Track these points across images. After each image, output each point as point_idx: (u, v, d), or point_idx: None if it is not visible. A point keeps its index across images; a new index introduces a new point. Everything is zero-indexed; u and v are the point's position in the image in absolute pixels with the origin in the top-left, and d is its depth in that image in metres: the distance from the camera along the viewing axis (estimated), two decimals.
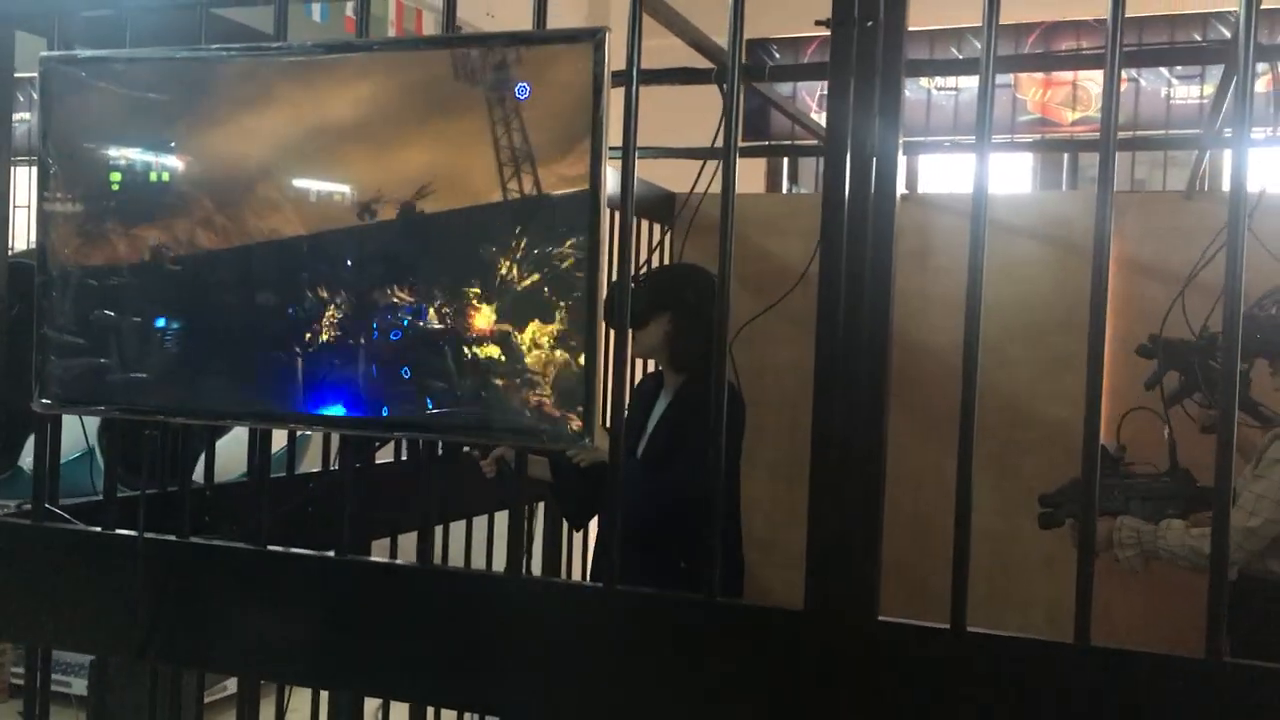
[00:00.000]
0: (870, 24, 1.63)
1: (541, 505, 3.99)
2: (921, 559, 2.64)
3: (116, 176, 1.97)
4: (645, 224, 4.85)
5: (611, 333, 2.02)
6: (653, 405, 3.02)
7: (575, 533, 3.89)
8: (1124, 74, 5.27)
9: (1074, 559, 1.58)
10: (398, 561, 1.99)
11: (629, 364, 2.55)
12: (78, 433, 3.51)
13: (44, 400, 2.03)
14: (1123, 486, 2.62)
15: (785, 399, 3.61)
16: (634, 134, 1.77)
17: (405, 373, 1.74)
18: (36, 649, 2.31)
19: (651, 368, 3.27)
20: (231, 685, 4.30)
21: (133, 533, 2.04)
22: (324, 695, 3.22)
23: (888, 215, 1.63)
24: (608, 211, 1.79)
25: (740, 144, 1.94)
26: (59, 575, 2.11)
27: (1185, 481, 2.55)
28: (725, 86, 1.76)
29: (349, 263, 1.78)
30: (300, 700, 3.10)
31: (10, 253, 2.29)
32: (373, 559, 2.00)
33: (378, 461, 3.32)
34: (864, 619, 1.62)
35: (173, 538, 2.03)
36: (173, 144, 1.95)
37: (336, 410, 1.80)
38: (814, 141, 6.01)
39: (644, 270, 3.39)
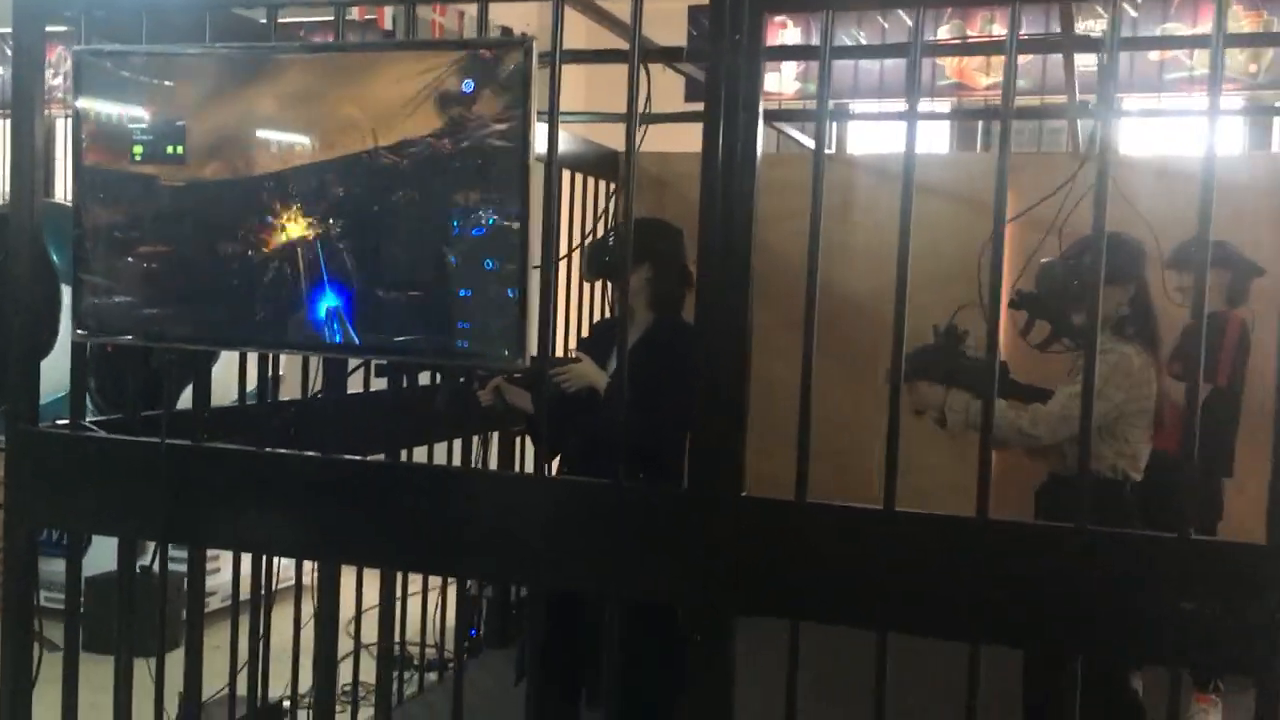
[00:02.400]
0: (737, 37, 2.11)
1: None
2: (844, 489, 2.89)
3: (139, 149, 2.42)
4: (593, 181, 5.34)
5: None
6: (612, 339, 3.46)
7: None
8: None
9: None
10: (364, 458, 2.47)
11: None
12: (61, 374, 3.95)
13: (79, 331, 2.49)
14: (960, 366, 3.12)
15: None
16: (557, 104, 2.23)
17: (376, 308, 2.23)
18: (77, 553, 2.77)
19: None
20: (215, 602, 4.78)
21: (157, 439, 2.52)
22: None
23: (749, 174, 2.11)
24: (557, 172, 2.26)
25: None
26: (95, 476, 2.58)
27: (1003, 373, 3.05)
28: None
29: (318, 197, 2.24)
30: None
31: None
32: (347, 456, 2.47)
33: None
34: (733, 495, 2.13)
35: (189, 442, 2.51)
36: (182, 121, 2.40)
37: (316, 338, 2.28)
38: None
39: (613, 228, 3.75)
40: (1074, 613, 1.96)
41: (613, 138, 5.38)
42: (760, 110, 2.13)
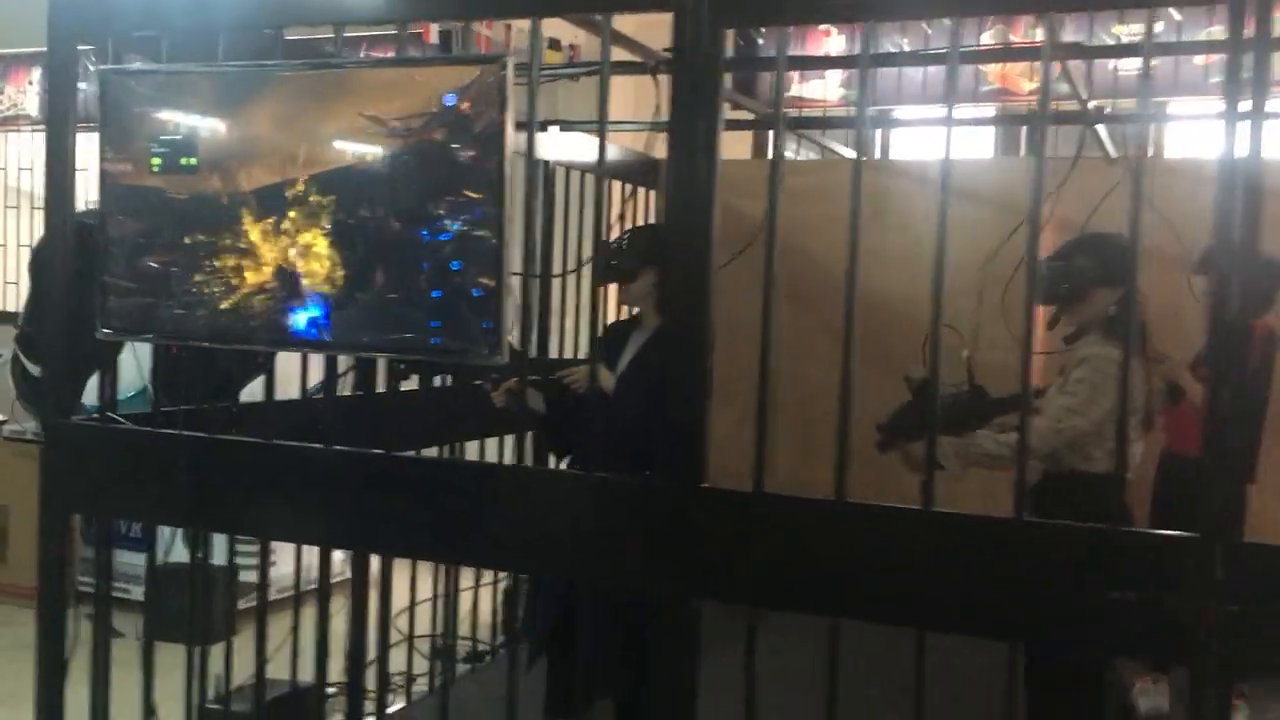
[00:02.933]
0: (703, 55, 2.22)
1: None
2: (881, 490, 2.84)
3: (156, 161, 2.61)
4: (628, 186, 5.48)
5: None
6: (625, 342, 3.61)
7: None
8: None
9: None
10: (373, 451, 2.61)
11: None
12: (133, 374, 4.18)
13: (105, 330, 2.69)
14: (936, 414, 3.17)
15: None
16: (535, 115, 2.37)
17: (353, 309, 2.38)
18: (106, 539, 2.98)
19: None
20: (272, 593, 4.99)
21: (174, 431, 2.70)
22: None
23: (709, 179, 2.22)
24: (540, 176, 2.39)
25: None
26: (122, 464, 2.78)
27: (980, 396, 3.08)
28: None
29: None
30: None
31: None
32: (359, 450, 2.61)
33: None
34: (693, 486, 2.24)
35: (203, 434, 2.69)
36: (196, 134, 2.58)
37: (312, 335, 2.45)
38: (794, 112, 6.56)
39: (626, 233, 3.90)
40: (1003, 600, 2.04)
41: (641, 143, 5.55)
42: (720, 118, 2.24)
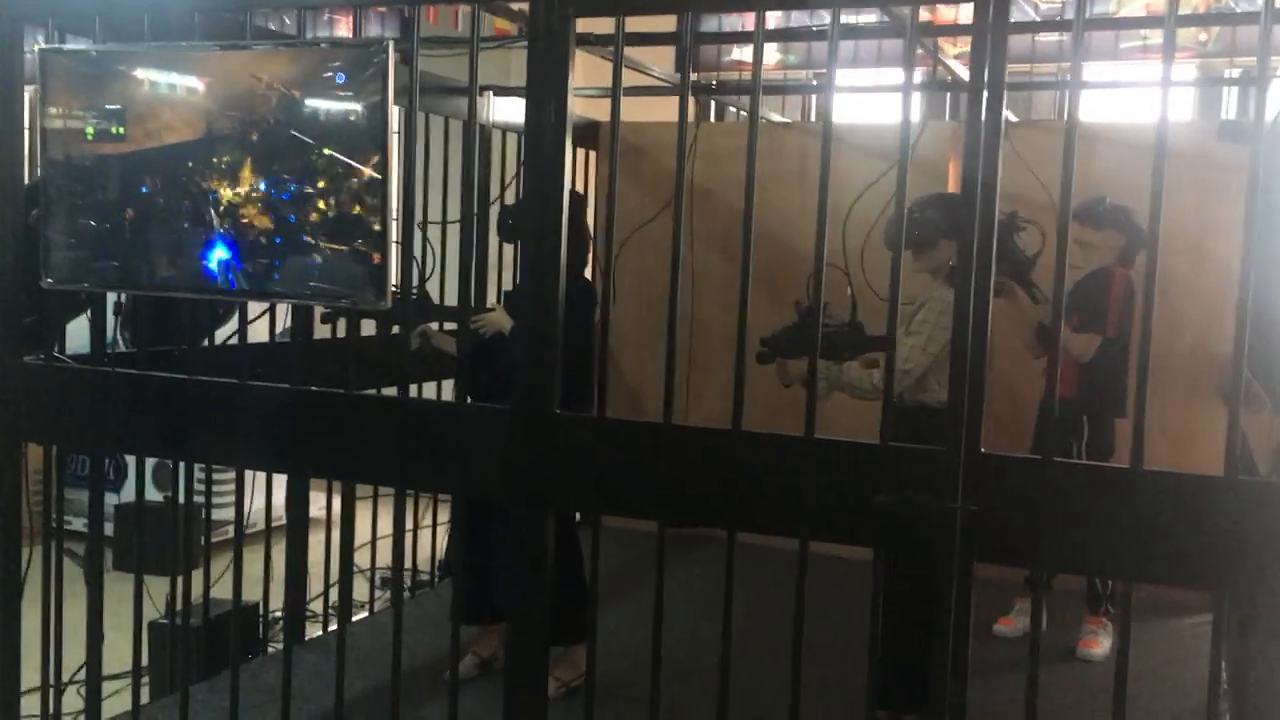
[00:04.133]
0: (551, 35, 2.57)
1: None
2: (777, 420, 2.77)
3: (90, 129, 2.96)
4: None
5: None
6: (524, 293, 3.97)
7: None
8: None
9: None
10: (316, 389, 2.96)
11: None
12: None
13: (47, 280, 3.05)
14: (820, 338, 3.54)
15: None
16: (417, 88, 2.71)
17: (257, 258, 2.74)
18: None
19: None
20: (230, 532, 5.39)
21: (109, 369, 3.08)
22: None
23: (560, 149, 2.57)
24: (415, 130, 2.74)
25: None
26: (65, 398, 3.15)
27: (859, 331, 3.45)
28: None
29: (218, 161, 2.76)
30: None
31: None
32: (304, 388, 2.95)
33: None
34: (544, 413, 2.61)
35: (134, 371, 3.06)
36: (122, 105, 2.92)
37: (230, 283, 2.81)
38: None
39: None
40: (795, 504, 2.42)
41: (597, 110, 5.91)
42: (569, 94, 2.58)
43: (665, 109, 5.77)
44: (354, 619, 4.79)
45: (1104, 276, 4.46)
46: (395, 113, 2.70)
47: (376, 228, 2.64)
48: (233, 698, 3.13)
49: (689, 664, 3.24)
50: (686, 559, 2.73)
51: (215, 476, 5.76)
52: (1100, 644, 4.59)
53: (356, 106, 2.67)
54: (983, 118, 2.25)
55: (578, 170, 5.95)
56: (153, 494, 5.17)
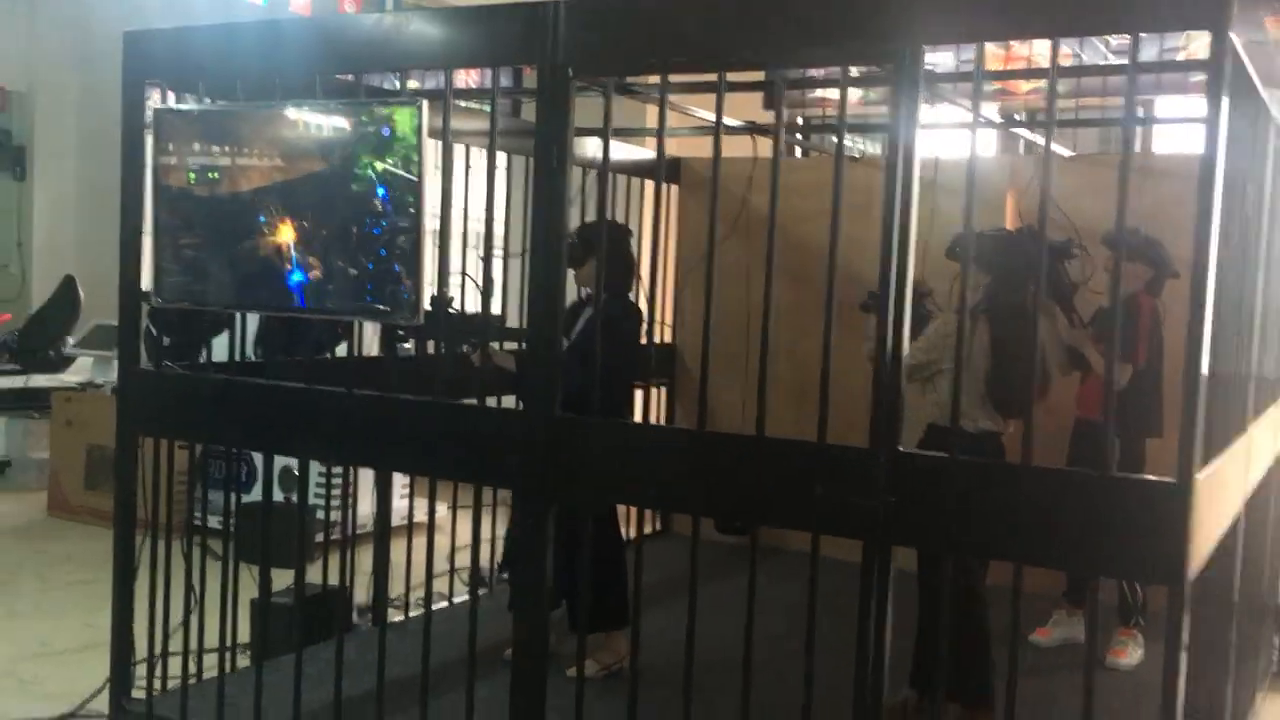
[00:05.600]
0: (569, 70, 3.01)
1: None
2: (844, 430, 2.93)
3: (191, 176, 3.54)
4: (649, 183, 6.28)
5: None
6: (579, 314, 4.44)
7: None
8: (1067, 49, 6.30)
9: None
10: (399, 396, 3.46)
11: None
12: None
13: (157, 299, 3.64)
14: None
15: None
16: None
17: (322, 284, 3.26)
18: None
19: None
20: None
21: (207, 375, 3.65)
22: None
23: (559, 199, 3.02)
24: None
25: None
26: (171, 399, 3.75)
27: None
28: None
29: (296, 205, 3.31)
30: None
31: None
32: (389, 395, 3.45)
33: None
34: (548, 416, 3.05)
35: (226, 376, 3.62)
36: (220, 153, 3.50)
37: (300, 303, 3.35)
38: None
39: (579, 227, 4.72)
40: (746, 495, 2.80)
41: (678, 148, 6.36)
42: (570, 146, 3.03)
43: (741, 144, 6.18)
44: (434, 607, 5.30)
45: (1132, 305, 4.67)
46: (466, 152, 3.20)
47: (408, 256, 3.14)
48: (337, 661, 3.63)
49: (726, 657, 3.59)
50: (747, 565, 3.11)
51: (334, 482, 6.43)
52: (1129, 654, 4.76)
53: (397, 155, 3.17)
54: (899, 164, 2.61)
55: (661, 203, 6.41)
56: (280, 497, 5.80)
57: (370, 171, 3.21)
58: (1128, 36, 2.50)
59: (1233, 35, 2.34)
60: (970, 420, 3.88)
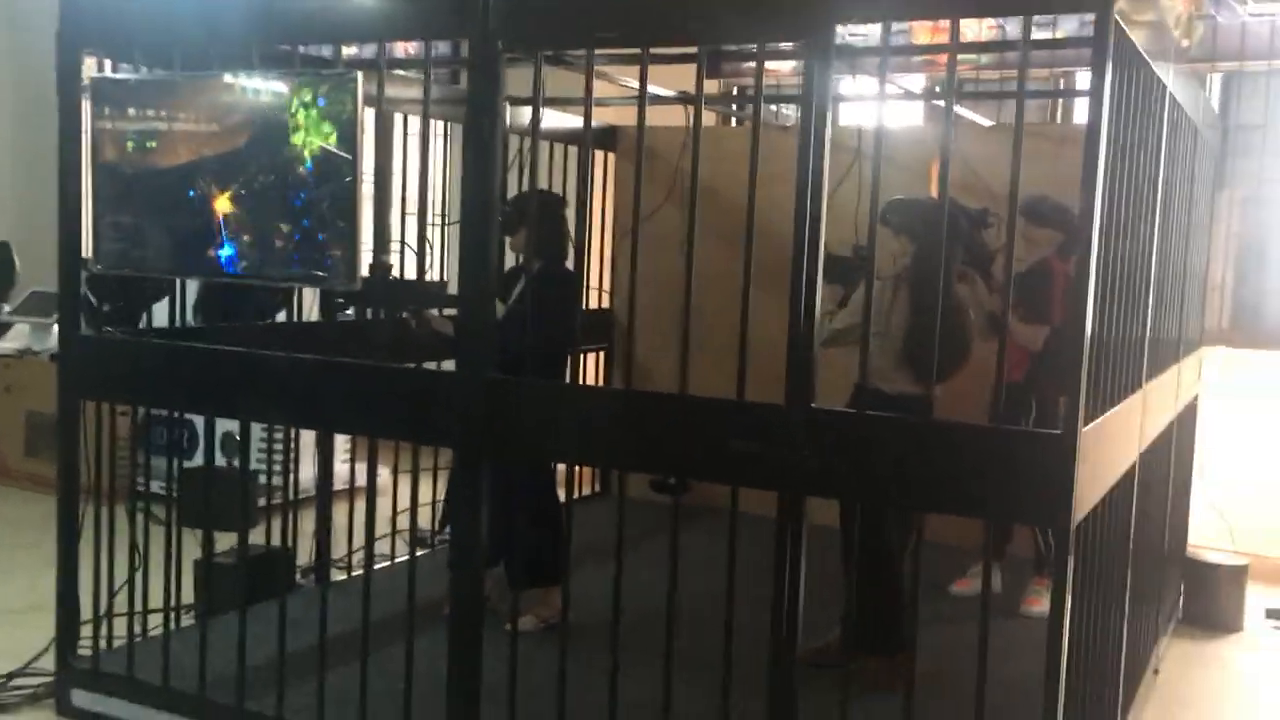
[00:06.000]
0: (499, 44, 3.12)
1: None
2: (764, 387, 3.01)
3: (130, 145, 3.61)
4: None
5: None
6: (516, 280, 4.56)
7: None
8: (993, 22, 6.48)
9: None
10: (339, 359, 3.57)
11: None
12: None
13: (96, 266, 3.71)
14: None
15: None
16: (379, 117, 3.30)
17: (255, 249, 3.36)
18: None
19: None
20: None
21: (140, 339, 3.74)
22: None
23: (494, 156, 3.14)
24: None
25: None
26: (112, 364, 3.83)
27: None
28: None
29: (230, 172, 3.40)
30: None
31: None
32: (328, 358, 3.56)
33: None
34: (481, 376, 3.18)
35: (163, 341, 3.71)
36: (157, 121, 3.57)
37: (231, 269, 3.43)
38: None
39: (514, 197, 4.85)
40: (671, 450, 2.95)
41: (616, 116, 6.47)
42: (500, 111, 3.14)
43: (679, 112, 6.31)
44: (375, 567, 5.43)
45: (1044, 269, 4.87)
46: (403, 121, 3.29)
47: (341, 224, 3.24)
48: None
49: (657, 610, 3.74)
50: (689, 526, 3.24)
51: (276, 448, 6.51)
52: (1043, 602, 4.99)
53: (333, 125, 3.27)
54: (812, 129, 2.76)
55: (600, 170, 6.54)
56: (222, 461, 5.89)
57: (304, 141, 3.30)
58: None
59: (1117, 16, 2.51)
60: (889, 382, 4.05)
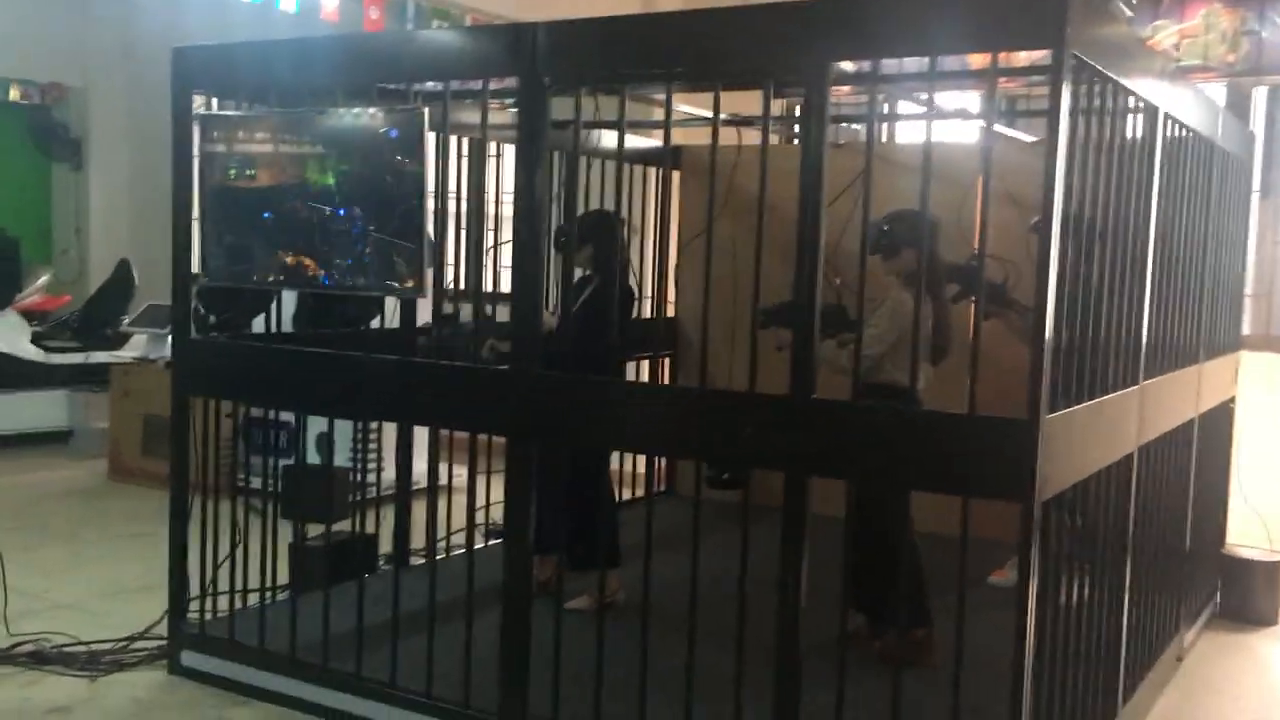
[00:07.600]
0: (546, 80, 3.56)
1: None
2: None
3: (232, 172, 4.14)
4: (651, 170, 6.83)
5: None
6: (582, 291, 5.00)
7: None
8: None
9: None
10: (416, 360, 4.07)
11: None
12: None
13: (204, 279, 4.25)
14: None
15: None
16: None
17: (341, 264, 3.86)
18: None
19: None
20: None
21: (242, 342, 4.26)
22: None
23: (538, 193, 3.58)
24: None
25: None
26: (220, 364, 4.36)
27: (843, 313, 4.23)
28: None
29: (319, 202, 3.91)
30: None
31: None
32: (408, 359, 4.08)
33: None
34: (530, 373, 3.62)
35: (262, 344, 4.23)
36: (254, 154, 4.09)
37: (325, 282, 3.95)
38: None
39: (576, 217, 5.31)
40: (687, 432, 3.36)
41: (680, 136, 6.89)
42: (545, 139, 3.58)
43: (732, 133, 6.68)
44: (451, 555, 5.90)
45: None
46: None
47: (409, 244, 3.73)
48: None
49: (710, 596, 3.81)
50: (737, 520, 3.52)
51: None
52: (1007, 574, 5.22)
53: (403, 157, 3.75)
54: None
55: (668, 188, 6.97)
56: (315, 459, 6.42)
57: (379, 167, 3.79)
58: None
59: (1075, 50, 2.86)
60: (888, 375, 4.34)
